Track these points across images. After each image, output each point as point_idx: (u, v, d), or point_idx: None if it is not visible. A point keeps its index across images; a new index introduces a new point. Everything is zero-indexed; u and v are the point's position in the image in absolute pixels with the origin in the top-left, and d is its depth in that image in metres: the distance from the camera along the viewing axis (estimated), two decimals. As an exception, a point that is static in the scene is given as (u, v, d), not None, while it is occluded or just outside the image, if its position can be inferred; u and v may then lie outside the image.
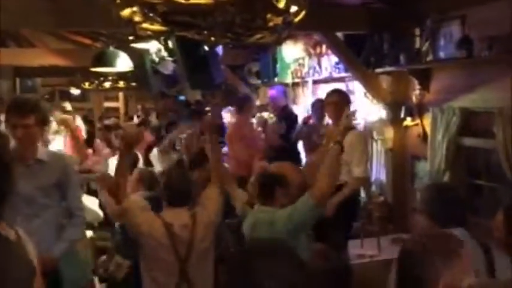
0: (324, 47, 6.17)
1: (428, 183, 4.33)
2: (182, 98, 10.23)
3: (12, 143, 2.81)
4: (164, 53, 6.25)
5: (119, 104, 13.68)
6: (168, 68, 6.68)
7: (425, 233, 2.07)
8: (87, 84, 9.53)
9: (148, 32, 2.37)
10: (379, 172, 5.45)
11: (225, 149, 5.87)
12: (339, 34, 5.32)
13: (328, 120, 5.17)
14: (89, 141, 7.39)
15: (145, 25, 2.26)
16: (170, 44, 5.70)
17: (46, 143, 4.48)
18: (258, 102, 7.65)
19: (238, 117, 6.18)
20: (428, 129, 4.56)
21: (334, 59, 5.89)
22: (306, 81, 6.70)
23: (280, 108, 6.30)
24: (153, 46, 6.21)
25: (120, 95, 13.41)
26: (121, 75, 8.31)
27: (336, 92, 4.58)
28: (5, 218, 1.70)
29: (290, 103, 6.78)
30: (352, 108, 4.51)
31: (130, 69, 6.60)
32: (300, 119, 6.18)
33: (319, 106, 5.38)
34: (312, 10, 2.39)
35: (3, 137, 2.70)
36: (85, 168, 5.18)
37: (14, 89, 9.48)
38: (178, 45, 5.25)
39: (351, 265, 3.79)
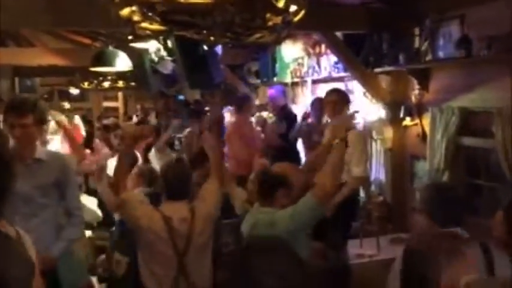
0: (323, 46, 6.17)
1: (427, 182, 4.34)
2: (181, 97, 10.23)
3: (11, 143, 2.81)
4: (163, 53, 6.25)
5: (118, 104, 13.68)
6: (167, 67, 6.68)
7: (430, 232, 2.06)
8: (86, 84, 9.52)
9: (148, 32, 2.37)
10: (378, 172, 5.46)
11: (224, 149, 5.86)
12: (338, 34, 5.32)
13: (327, 119, 5.17)
14: (88, 141, 7.38)
15: (144, 24, 2.25)
16: (169, 43, 5.70)
17: (44, 143, 4.47)
18: (257, 102, 7.65)
19: (237, 116, 6.18)
20: (427, 128, 4.56)
21: (334, 58, 5.89)
22: (305, 81, 6.70)
23: (280, 107, 6.29)
24: (152, 46, 6.20)
25: (119, 94, 13.42)
26: (120, 75, 8.30)
27: (335, 91, 4.59)
28: (5, 216, 1.70)
29: (289, 103, 6.77)
30: (352, 108, 4.52)
31: (130, 68, 6.60)
32: (299, 117, 6.17)
33: (318, 105, 5.38)
34: (311, 10, 2.39)
35: (2, 135, 2.71)
36: (83, 169, 5.16)
37: (13, 88, 9.47)
38: (178, 44, 5.25)
39: (350, 265, 3.79)
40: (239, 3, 2.11)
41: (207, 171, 3.39)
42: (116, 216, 4.02)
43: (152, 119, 10.15)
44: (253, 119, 6.74)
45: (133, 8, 2.17)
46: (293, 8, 2.22)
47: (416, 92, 4.70)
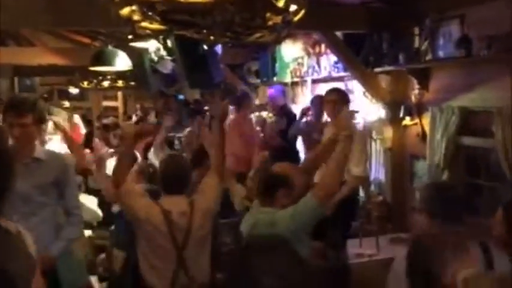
0: (323, 46, 6.17)
1: (427, 182, 4.34)
2: (181, 97, 10.22)
3: (10, 142, 2.81)
4: (163, 52, 6.24)
5: (118, 103, 13.65)
6: (167, 67, 6.67)
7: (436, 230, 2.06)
8: (85, 83, 9.50)
9: (147, 31, 2.37)
10: (378, 171, 5.46)
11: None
12: (338, 33, 5.32)
13: (326, 117, 5.17)
14: (88, 141, 7.38)
15: (144, 24, 2.25)
16: (169, 43, 5.70)
17: (43, 143, 4.47)
18: (257, 102, 7.65)
19: (236, 114, 6.19)
20: (427, 128, 4.56)
21: (333, 58, 5.89)
22: (305, 81, 6.69)
23: (279, 107, 6.29)
24: (152, 45, 6.20)
25: (119, 94, 13.39)
26: (120, 75, 8.29)
27: (335, 90, 4.59)
28: (4, 213, 1.70)
29: (289, 102, 6.78)
30: (351, 108, 4.51)
31: (129, 68, 6.59)
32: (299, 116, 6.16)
33: (318, 102, 5.39)
34: (311, 9, 2.39)
35: (2, 132, 2.71)
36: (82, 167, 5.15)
37: (12, 88, 9.47)
38: (177, 44, 5.25)
39: (349, 264, 3.80)
40: (239, 3, 2.11)
41: (207, 170, 3.39)
42: (116, 208, 4.02)
43: (152, 119, 10.13)
44: (252, 116, 6.74)
45: (133, 7, 2.17)
46: (293, 7, 2.22)
47: (416, 91, 4.70)
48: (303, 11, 2.30)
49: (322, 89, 5.94)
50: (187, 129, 6.74)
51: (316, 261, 2.82)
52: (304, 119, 5.82)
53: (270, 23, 2.23)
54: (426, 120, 4.60)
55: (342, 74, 5.77)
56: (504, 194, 3.87)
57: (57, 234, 2.99)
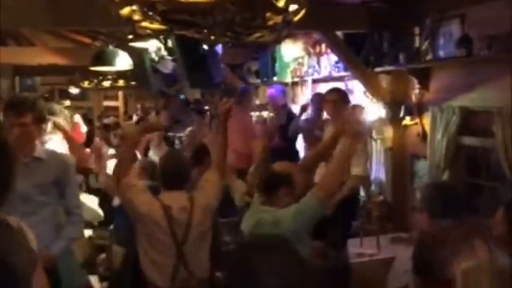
0: (323, 46, 6.16)
1: (427, 182, 4.34)
2: (182, 96, 10.23)
3: (10, 141, 2.80)
4: (164, 52, 6.25)
5: (119, 103, 13.67)
6: (168, 67, 6.68)
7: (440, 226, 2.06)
8: (86, 83, 9.52)
9: (148, 31, 2.37)
10: (378, 171, 5.46)
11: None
12: (339, 33, 5.31)
13: (326, 116, 5.17)
14: (89, 140, 7.38)
15: (144, 24, 2.25)
16: (170, 42, 5.71)
17: (43, 142, 4.47)
18: (257, 102, 7.64)
19: (237, 110, 6.18)
20: (427, 128, 4.56)
21: (334, 58, 5.88)
22: (305, 81, 6.69)
23: (279, 107, 6.29)
24: (152, 45, 6.20)
25: (120, 94, 13.40)
26: (120, 74, 8.31)
27: (335, 90, 4.59)
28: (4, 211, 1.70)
29: (289, 102, 6.77)
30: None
31: (130, 68, 6.60)
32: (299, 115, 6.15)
33: (317, 100, 5.38)
34: (312, 9, 2.39)
35: (2, 128, 2.71)
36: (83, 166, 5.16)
37: (13, 87, 9.47)
38: (178, 44, 5.25)
39: (350, 264, 3.80)
40: (239, 3, 2.11)
41: (208, 168, 3.40)
42: (116, 201, 4.03)
43: (152, 119, 10.14)
44: (253, 115, 6.73)
45: (134, 7, 2.17)
46: (293, 7, 2.22)
47: (417, 91, 4.69)
48: (303, 11, 2.30)
49: (323, 88, 5.94)
50: (189, 129, 6.76)
51: (317, 260, 2.82)
52: (303, 116, 5.82)
53: (270, 22, 2.23)
54: (426, 120, 4.60)
55: (343, 73, 5.77)
56: (504, 194, 3.87)
57: (57, 233, 2.99)
